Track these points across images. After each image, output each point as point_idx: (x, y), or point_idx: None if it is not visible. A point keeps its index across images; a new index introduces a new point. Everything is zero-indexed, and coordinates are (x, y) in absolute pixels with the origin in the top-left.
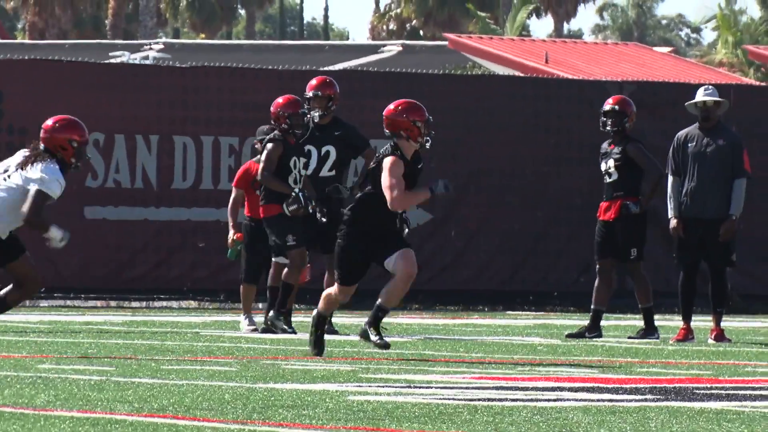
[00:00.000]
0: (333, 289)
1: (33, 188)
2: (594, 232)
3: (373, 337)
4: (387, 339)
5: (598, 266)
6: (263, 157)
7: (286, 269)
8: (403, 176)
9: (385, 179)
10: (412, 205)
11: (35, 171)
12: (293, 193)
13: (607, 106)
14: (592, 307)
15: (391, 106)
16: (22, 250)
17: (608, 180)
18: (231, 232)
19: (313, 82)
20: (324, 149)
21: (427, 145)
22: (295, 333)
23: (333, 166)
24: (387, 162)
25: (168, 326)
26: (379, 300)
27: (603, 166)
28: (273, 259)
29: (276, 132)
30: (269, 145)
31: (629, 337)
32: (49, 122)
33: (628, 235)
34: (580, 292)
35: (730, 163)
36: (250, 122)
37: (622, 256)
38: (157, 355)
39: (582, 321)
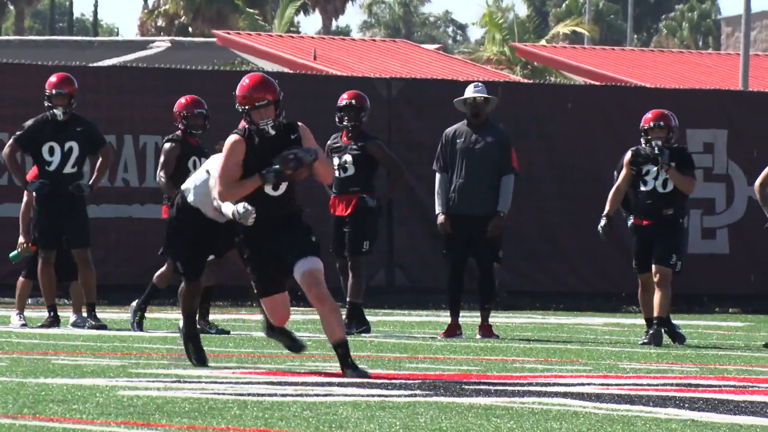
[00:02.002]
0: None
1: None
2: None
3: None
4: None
5: (338, 264)
6: (161, 158)
7: (160, 271)
8: (250, 157)
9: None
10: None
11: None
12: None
13: (343, 101)
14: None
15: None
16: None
17: (343, 175)
18: (22, 238)
19: (53, 79)
20: (67, 145)
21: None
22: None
23: (75, 163)
24: (225, 143)
25: None
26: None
27: (336, 161)
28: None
29: (177, 132)
30: (166, 146)
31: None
32: None
33: (362, 227)
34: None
35: (498, 159)
36: (19, 118)
37: (351, 248)
38: None
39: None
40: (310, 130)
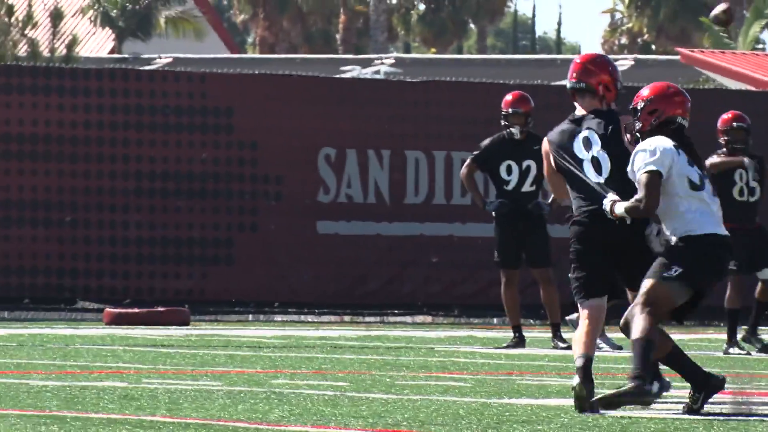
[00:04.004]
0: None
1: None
2: None
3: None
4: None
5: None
6: None
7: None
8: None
9: None
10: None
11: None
12: None
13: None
14: None
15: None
16: None
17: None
18: None
19: (509, 98)
20: (525, 164)
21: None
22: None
23: (534, 181)
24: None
25: (402, 341)
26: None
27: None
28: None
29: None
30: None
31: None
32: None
33: None
34: None
35: None
36: (480, 137)
37: None
38: (392, 371)
39: None
40: None
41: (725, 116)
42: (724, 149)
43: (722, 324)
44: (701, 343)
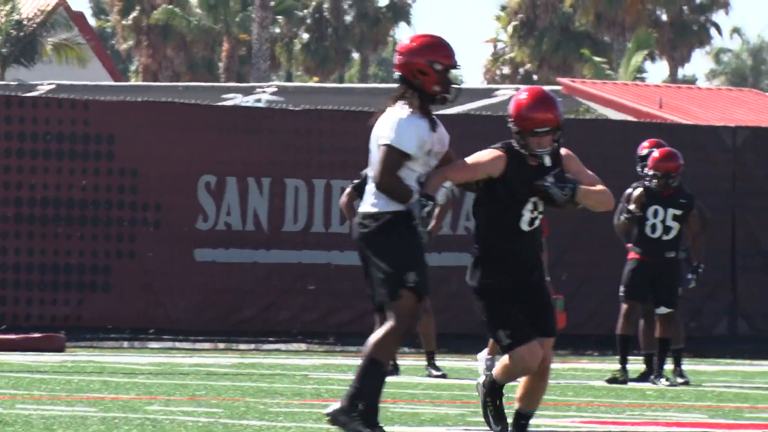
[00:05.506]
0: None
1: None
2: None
3: None
4: None
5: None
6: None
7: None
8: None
9: None
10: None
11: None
12: None
13: (644, 150)
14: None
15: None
16: None
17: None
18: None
19: None
20: None
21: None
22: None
23: None
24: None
25: (277, 368)
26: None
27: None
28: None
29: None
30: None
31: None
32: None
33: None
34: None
35: None
36: (361, 165)
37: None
38: (266, 398)
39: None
40: (576, 157)
41: (655, 154)
42: (654, 181)
43: (595, 353)
44: (575, 372)
